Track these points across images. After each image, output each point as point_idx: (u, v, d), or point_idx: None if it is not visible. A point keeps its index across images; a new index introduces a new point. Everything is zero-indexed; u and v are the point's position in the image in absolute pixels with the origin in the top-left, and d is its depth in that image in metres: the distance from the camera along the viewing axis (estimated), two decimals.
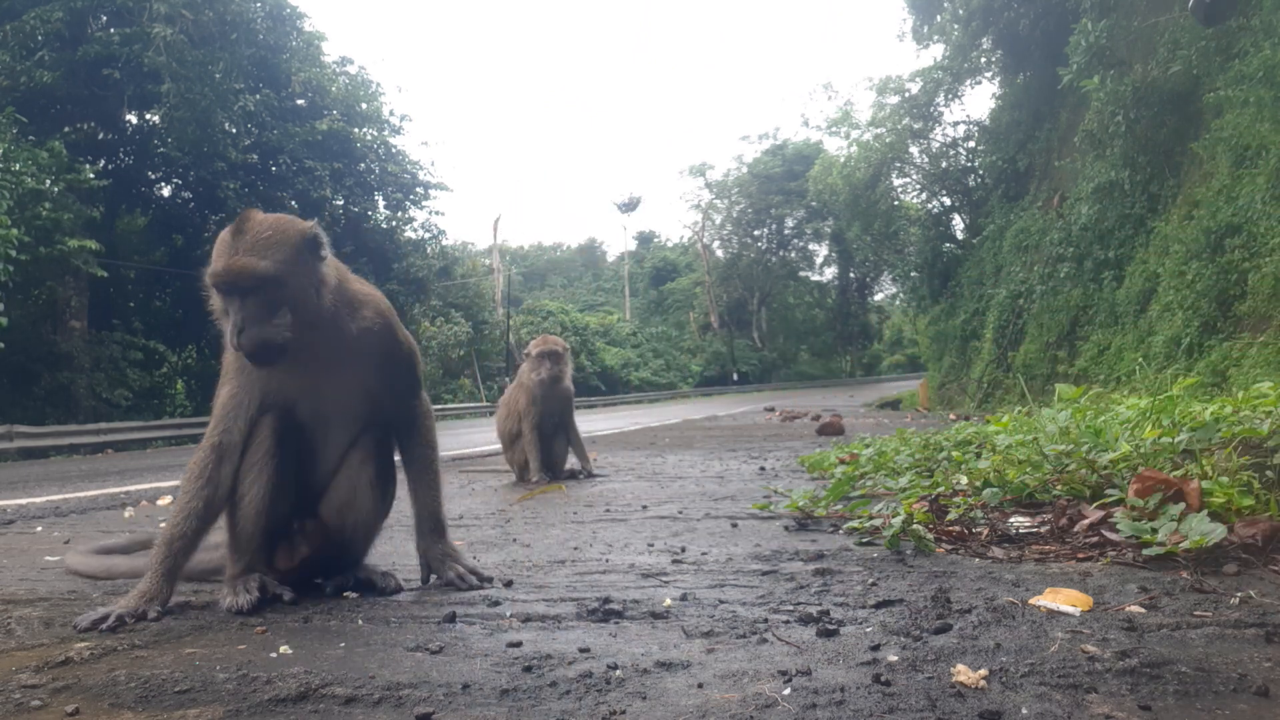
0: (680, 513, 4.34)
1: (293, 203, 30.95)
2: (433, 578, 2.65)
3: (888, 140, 31.77)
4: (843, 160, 33.85)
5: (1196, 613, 1.96)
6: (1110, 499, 2.97)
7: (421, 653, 1.88)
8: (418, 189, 34.63)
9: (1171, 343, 12.38)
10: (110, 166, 27.25)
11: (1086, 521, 2.93)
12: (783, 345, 71.00)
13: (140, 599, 2.26)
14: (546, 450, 6.47)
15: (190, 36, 22.83)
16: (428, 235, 36.63)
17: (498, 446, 7.15)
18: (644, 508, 4.61)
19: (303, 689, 1.61)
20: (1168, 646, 1.71)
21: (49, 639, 2.07)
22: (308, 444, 2.53)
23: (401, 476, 2.75)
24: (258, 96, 27.23)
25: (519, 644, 1.92)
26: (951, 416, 15.37)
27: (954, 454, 4.81)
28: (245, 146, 28.69)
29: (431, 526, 2.66)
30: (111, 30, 23.89)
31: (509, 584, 2.64)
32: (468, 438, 15.97)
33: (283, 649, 1.92)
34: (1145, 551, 2.52)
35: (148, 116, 26.72)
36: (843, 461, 5.92)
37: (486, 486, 6.30)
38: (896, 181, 34.29)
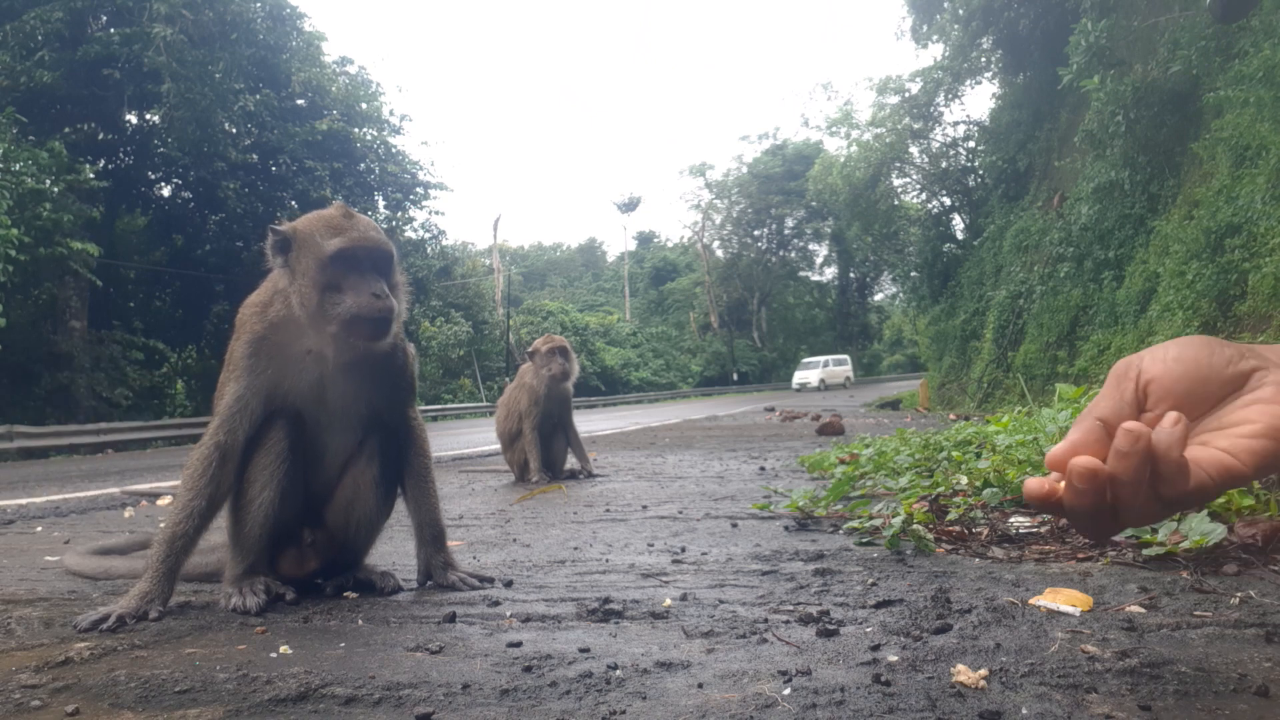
0: (680, 513, 4.34)
1: (293, 203, 30.96)
2: (429, 584, 2.65)
3: (888, 140, 31.78)
4: (843, 160, 33.86)
5: (1196, 613, 1.96)
6: None
7: (421, 653, 1.88)
8: (418, 189, 34.63)
9: None
10: (110, 166, 27.27)
11: None
12: (783, 345, 71.01)
13: (141, 599, 2.25)
14: (546, 450, 6.48)
15: (190, 36, 22.82)
16: (428, 235, 36.67)
17: (497, 446, 7.15)
18: (644, 508, 4.61)
19: (303, 689, 1.61)
20: (1168, 646, 1.71)
21: (49, 639, 2.07)
22: (314, 446, 2.53)
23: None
24: (258, 96, 27.23)
25: (519, 644, 1.92)
26: (951, 416, 15.37)
27: (954, 454, 4.81)
28: (245, 146, 28.70)
29: (431, 535, 2.67)
30: (111, 30, 23.89)
31: (509, 584, 2.64)
32: (468, 438, 15.97)
33: (283, 649, 1.92)
34: (1145, 551, 2.52)
35: (148, 116, 26.73)
36: (843, 461, 5.92)
37: (486, 486, 6.30)
38: (896, 181, 34.32)
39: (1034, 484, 1.15)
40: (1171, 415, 1.07)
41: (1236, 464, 1.08)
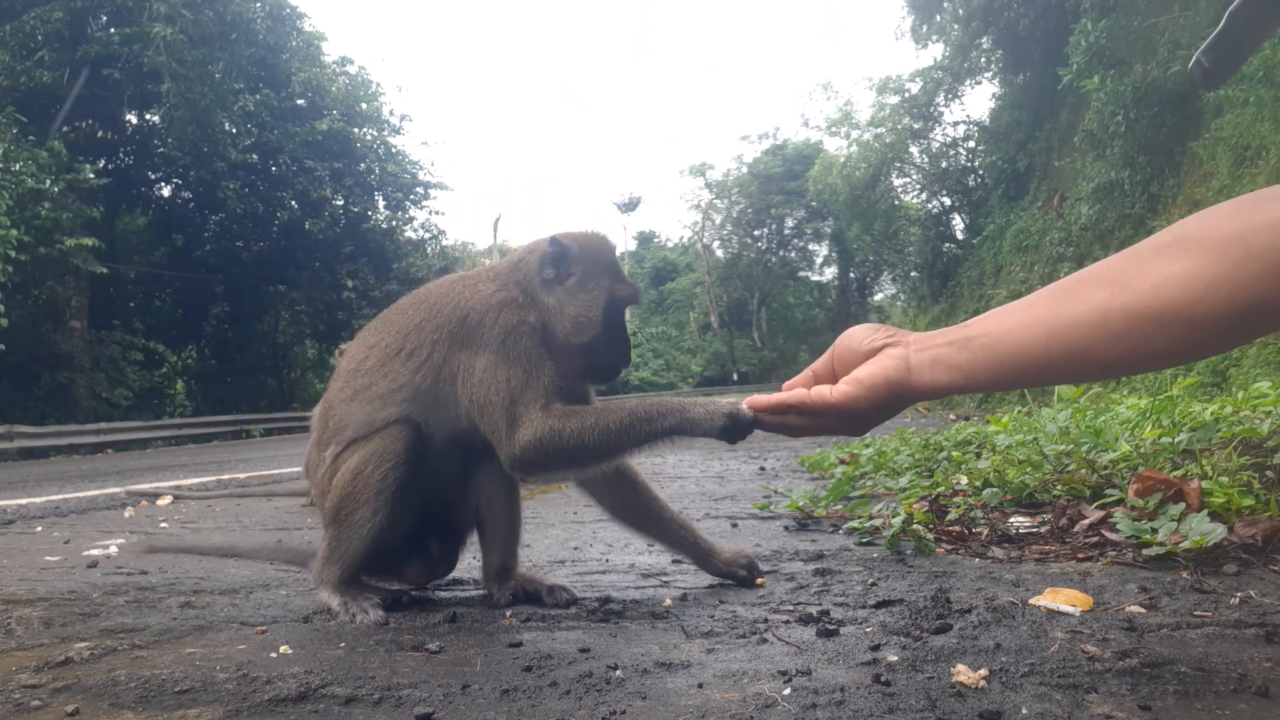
0: (680, 513, 4.34)
1: (293, 203, 30.98)
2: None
3: (888, 140, 31.79)
4: (843, 160, 33.87)
5: (1196, 613, 1.96)
6: (1110, 499, 2.97)
7: (421, 653, 1.88)
8: (417, 189, 34.66)
9: None
10: (110, 166, 27.28)
11: (1086, 521, 2.93)
12: (783, 345, 71.01)
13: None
14: None
15: (190, 36, 22.86)
16: (428, 235, 36.72)
17: None
18: None
19: (303, 689, 1.61)
20: (1168, 646, 1.71)
21: (49, 639, 2.07)
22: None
23: None
24: (258, 96, 27.25)
25: (519, 644, 1.92)
26: (951, 416, 15.36)
27: (954, 454, 4.81)
28: (245, 146, 28.71)
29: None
30: (111, 30, 23.93)
31: None
32: None
33: (283, 649, 1.92)
34: (1145, 551, 2.52)
35: (148, 116, 26.75)
36: (843, 461, 5.92)
37: None
38: (896, 181, 34.32)
39: (761, 399, 1.81)
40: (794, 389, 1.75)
41: (830, 395, 1.64)
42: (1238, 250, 1.22)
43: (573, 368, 2.28)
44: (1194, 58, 1.80)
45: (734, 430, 1.91)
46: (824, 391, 1.66)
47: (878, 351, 1.62)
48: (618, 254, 2.41)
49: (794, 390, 1.73)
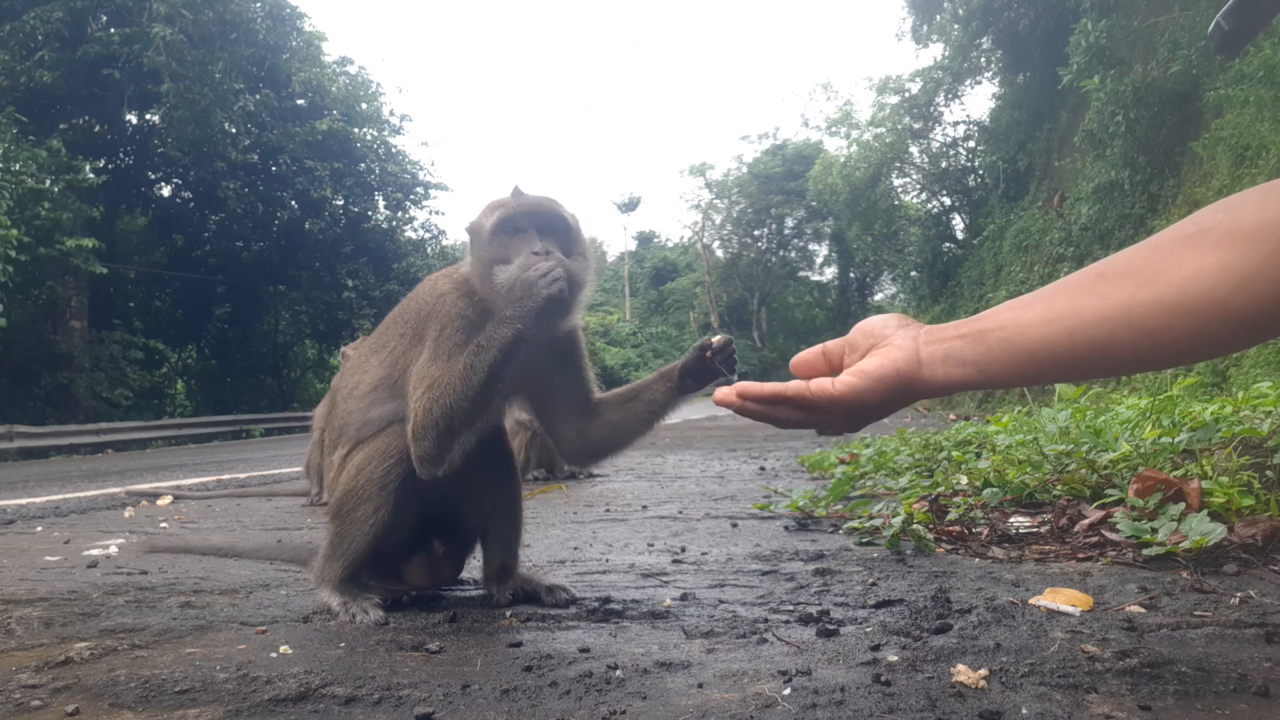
0: (680, 513, 4.34)
1: (293, 203, 30.99)
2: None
3: (888, 140, 31.80)
4: (843, 160, 33.87)
5: (1196, 613, 1.96)
6: (1110, 499, 2.98)
7: (421, 653, 1.88)
8: (418, 189, 34.67)
9: None
10: (110, 166, 27.28)
11: (1086, 521, 2.93)
12: (783, 345, 70.95)
13: None
14: (545, 449, 6.48)
15: (190, 36, 22.85)
16: (428, 235, 36.72)
17: None
18: (644, 508, 4.61)
19: (303, 689, 1.61)
20: (1168, 646, 1.71)
21: (49, 639, 2.06)
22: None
23: None
24: (258, 96, 27.26)
25: (519, 644, 1.92)
26: (951, 416, 15.36)
27: (954, 454, 4.81)
28: (245, 146, 28.71)
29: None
30: (111, 30, 23.93)
31: None
32: None
33: (283, 649, 1.92)
34: (1145, 551, 2.52)
35: (148, 116, 26.75)
36: (843, 461, 5.92)
37: None
38: (896, 181, 34.33)
39: (754, 387, 1.64)
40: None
41: (833, 388, 1.53)
42: (1271, 241, 1.19)
43: (501, 302, 2.11)
44: (1213, 21, 1.74)
45: (543, 313, 1.96)
46: (825, 384, 1.54)
47: (892, 339, 1.54)
48: (524, 193, 2.23)
49: (791, 382, 1.61)
